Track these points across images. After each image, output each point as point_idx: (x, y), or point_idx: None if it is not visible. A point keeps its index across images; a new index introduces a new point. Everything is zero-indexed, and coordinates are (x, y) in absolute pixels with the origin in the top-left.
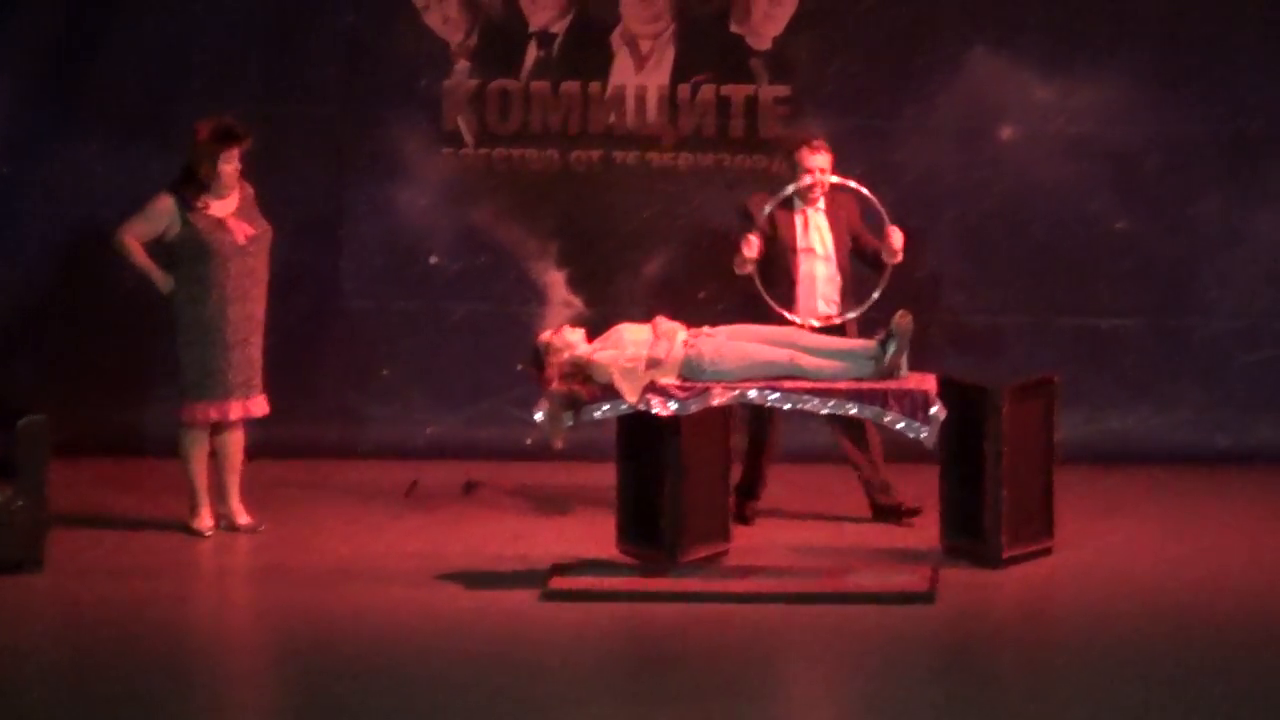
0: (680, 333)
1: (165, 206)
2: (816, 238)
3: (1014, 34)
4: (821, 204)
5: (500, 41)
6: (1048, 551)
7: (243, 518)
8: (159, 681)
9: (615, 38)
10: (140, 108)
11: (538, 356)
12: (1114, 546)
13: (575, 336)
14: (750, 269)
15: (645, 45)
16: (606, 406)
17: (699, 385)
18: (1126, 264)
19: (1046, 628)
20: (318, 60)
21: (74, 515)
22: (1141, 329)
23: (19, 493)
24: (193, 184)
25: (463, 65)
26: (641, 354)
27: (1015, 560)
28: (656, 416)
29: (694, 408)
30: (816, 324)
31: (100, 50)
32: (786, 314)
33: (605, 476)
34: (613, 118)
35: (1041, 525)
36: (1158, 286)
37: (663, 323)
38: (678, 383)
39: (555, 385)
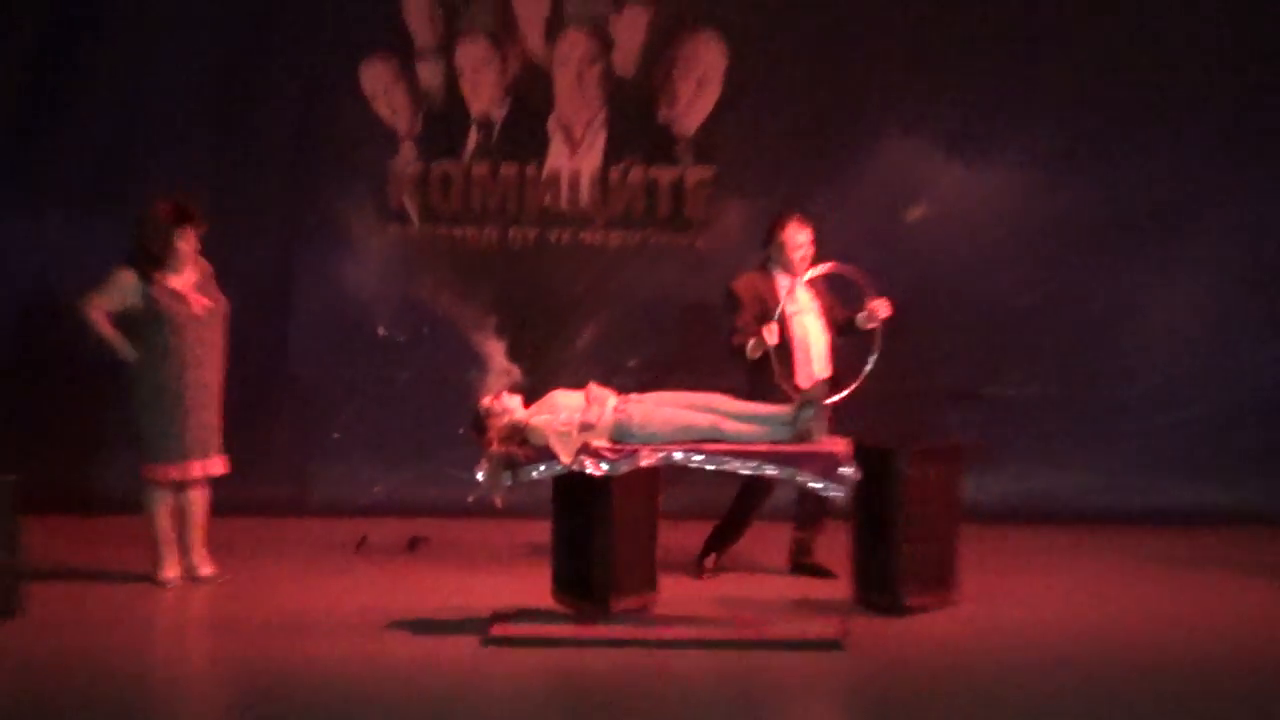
0: (611, 399)
1: (127, 280)
2: (805, 300)
3: (924, 120)
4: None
5: (443, 127)
6: (953, 603)
7: (205, 569)
8: None
9: (550, 123)
10: (95, 182)
11: (478, 420)
12: (1019, 599)
13: (513, 402)
14: (759, 353)
15: (578, 131)
16: (543, 467)
17: (628, 447)
18: (1031, 336)
19: (945, 671)
20: (268, 140)
21: (44, 570)
22: (1048, 397)
23: None
24: (150, 260)
25: (408, 148)
26: (575, 418)
27: (920, 610)
28: (589, 476)
29: (624, 468)
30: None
31: (57, 126)
32: (786, 385)
33: (541, 532)
34: (548, 198)
35: (947, 579)
36: (1062, 356)
37: (595, 389)
38: (609, 445)
39: (495, 447)
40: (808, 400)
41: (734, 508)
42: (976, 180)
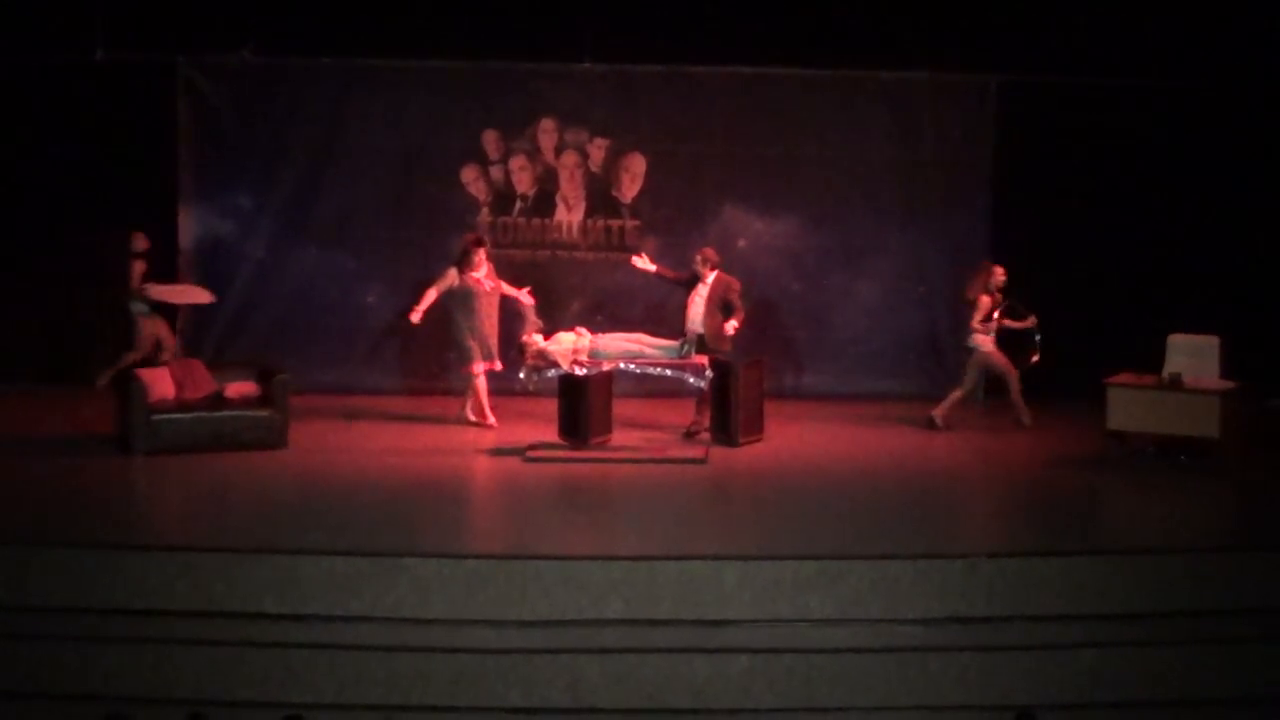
0: (588, 336)
1: (449, 274)
2: (703, 290)
3: (744, 195)
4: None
5: (503, 199)
6: (761, 440)
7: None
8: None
9: (557, 197)
10: (332, 227)
11: (520, 348)
12: (793, 437)
13: (537, 338)
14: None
15: (571, 201)
16: (553, 371)
17: (598, 361)
18: (797, 306)
19: (758, 473)
20: (421, 211)
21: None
22: (804, 336)
23: (275, 410)
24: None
25: (485, 210)
26: (570, 346)
27: (746, 444)
28: (577, 376)
29: (595, 372)
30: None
31: (312, 195)
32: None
33: (551, 404)
34: (555, 235)
35: (758, 427)
36: (813, 315)
37: (580, 330)
38: (588, 360)
39: (529, 361)
40: (688, 340)
41: (697, 404)
42: (769, 228)
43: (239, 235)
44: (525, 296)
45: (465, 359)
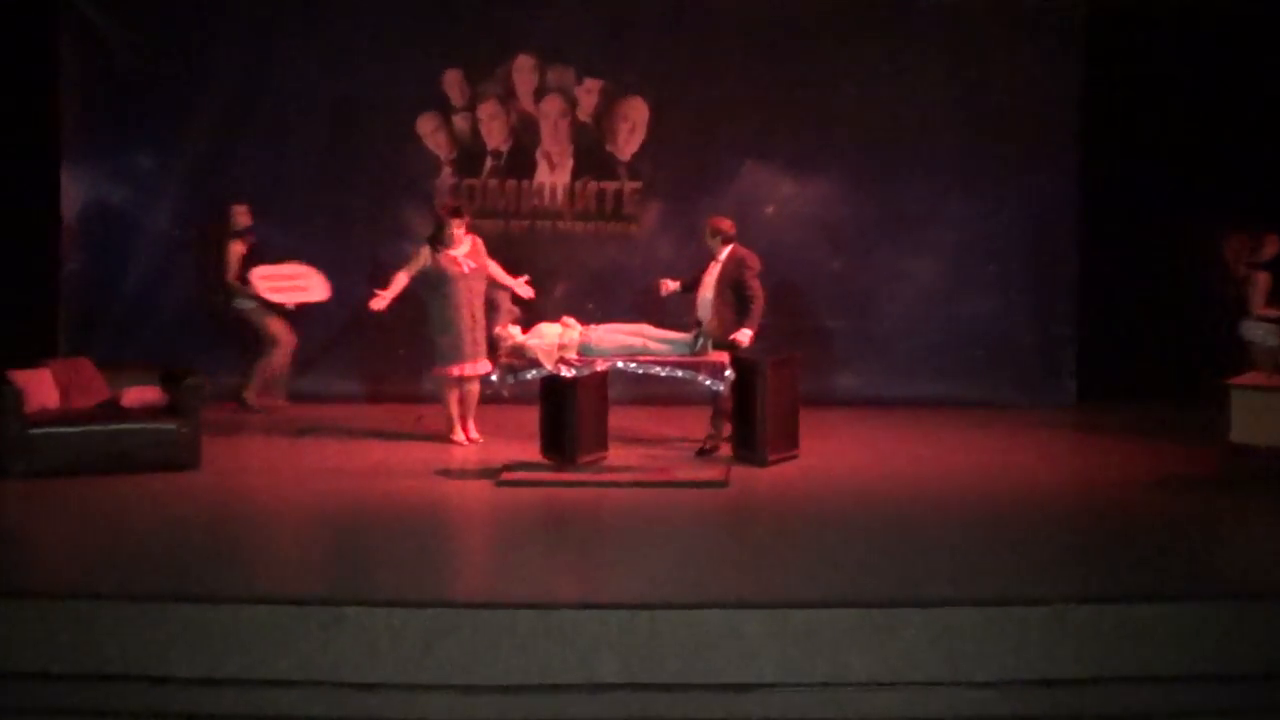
0: (577, 327)
1: (422, 253)
2: (714, 271)
3: (769, 152)
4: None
5: (469, 156)
6: (794, 457)
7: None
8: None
9: (538, 154)
10: (254, 194)
11: (492, 343)
12: (836, 453)
13: (515, 331)
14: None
15: (555, 158)
16: (534, 372)
17: (589, 359)
18: (836, 290)
19: (790, 499)
20: (360, 166)
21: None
22: (845, 327)
23: (184, 422)
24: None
25: (447, 170)
26: (554, 341)
27: (775, 462)
28: (563, 378)
29: (585, 372)
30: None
31: (229, 153)
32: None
33: (532, 414)
34: (535, 202)
35: (790, 442)
36: (856, 302)
37: (566, 321)
38: (576, 358)
39: (503, 359)
40: (703, 333)
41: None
42: (800, 192)
43: (137, 203)
44: (523, 288)
45: (440, 359)
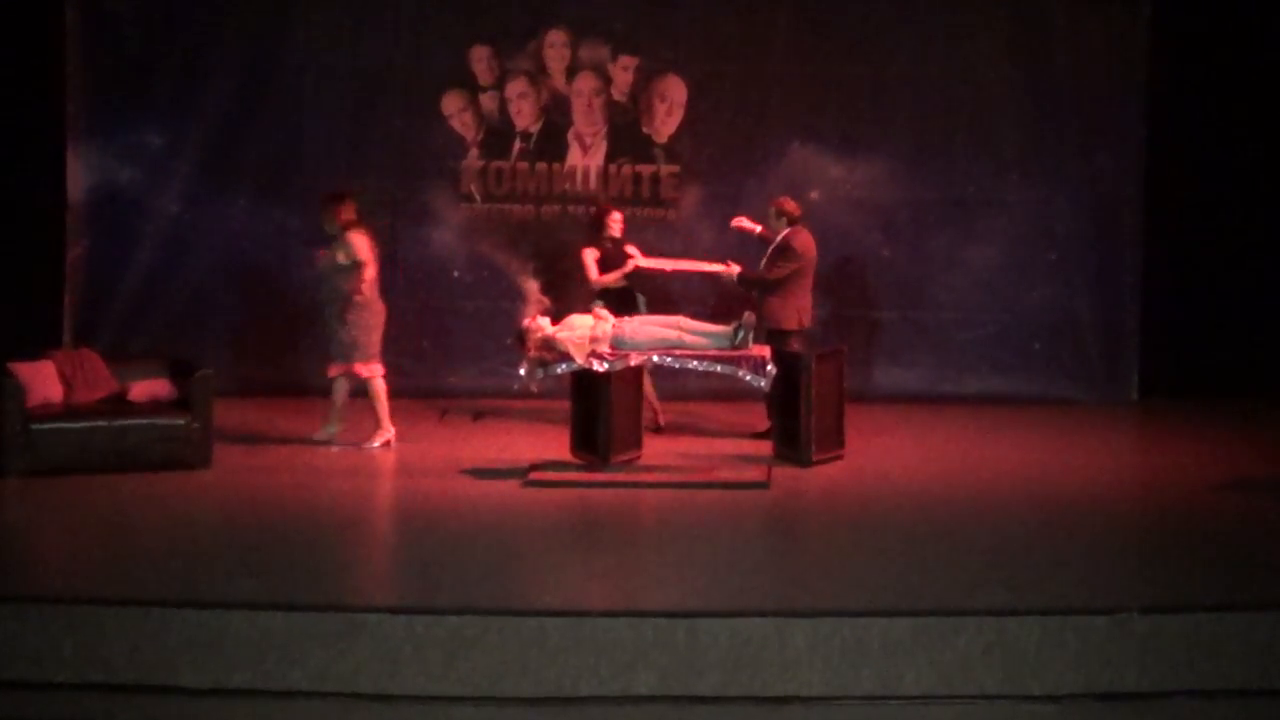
0: (609, 319)
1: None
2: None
3: (816, 132)
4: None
5: (497, 137)
6: (840, 457)
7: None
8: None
9: (570, 135)
10: (268, 175)
11: (520, 335)
12: (885, 453)
13: (544, 322)
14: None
15: (588, 140)
16: (564, 366)
17: (622, 352)
18: (886, 278)
19: (836, 501)
20: (382, 147)
21: (233, 435)
22: (896, 319)
23: (194, 418)
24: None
25: (474, 152)
26: (586, 333)
27: (819, 462)
28: (596, 372)
29: (619, 367)
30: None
31: (243, 132)
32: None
33: (562, 410)
34: (567, 186)
35: (836, 440)
36: (907, 291)
37: (599, 312)
38: (609, 351)
39: (532, 353)
40: (744, 325)
41: (768, 404)
42: (850, 175)
43: (145, 185)
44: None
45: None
